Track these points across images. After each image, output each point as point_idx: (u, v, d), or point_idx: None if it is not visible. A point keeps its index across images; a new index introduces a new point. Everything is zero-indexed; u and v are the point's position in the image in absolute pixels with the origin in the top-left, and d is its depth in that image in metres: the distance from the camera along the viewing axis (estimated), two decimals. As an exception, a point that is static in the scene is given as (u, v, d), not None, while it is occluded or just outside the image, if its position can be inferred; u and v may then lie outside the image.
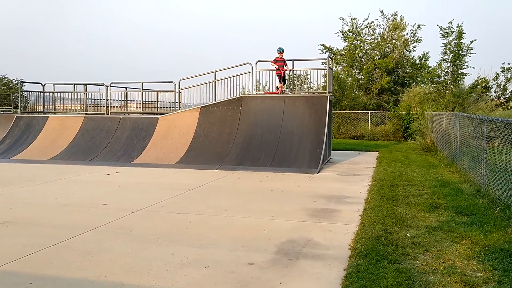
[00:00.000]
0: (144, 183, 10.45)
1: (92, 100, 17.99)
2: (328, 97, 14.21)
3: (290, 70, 15.29)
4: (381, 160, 14.93)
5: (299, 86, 22.26)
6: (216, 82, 15.90)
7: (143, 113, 16.82)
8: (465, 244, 5.77)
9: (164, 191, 9.39)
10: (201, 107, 15.30)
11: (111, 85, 17.31)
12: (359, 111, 27.80)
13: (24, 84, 23.75)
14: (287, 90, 15.97)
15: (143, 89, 17.13)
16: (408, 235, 6.14)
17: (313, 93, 15.60)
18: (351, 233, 6.26)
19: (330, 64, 14.93)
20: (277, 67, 14.61)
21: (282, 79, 14.77)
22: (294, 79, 22.97)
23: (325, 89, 14.75)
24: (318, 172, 12.34)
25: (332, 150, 18.15)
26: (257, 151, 13.71)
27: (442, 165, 13.95)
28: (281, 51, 14.52)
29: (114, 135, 15.34)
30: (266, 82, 16.61)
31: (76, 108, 18.07)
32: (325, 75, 15.92)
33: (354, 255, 5.26)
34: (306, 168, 12.61)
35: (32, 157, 14.72)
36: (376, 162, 14.69)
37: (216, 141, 14.35)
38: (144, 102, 17.27)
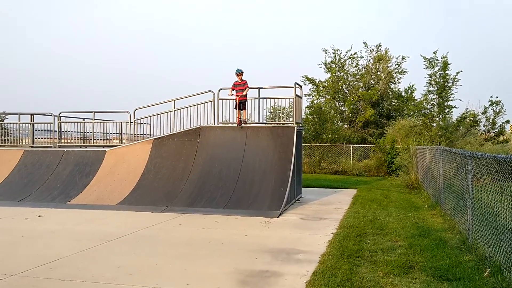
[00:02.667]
0: (59, 232, 8.55)
1: (40, 132, 16.19)
2: (296, 128, 12.55)
3: (255, 99, 13.60)
4: (357, 200, 13.14)
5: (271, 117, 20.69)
6: (175, 111, 14.26)
7: (91, 146, 15.01)
8: (440, 337, 3.95)
9: (75, 243, 7.51)
10: (154, 139, 13.57)
11: (61, 115, 15.57)
12: (341, 145, 26.20)
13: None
14: (253, 119, 14.18)
15: (95, 119, 15.40)
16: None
17: (279, 123, 13.93)
18: (282, 316, 4.42)
19: (297, 92, 13.33)
20: (233, 93, 12.79)
21: (243, 105, 13.02)
22: (279, 111, 21.45)
23: (293, 119, 13.11)
24: (279, 215, 10.51)
25: (307, 187, 16.43)
26: (213, 189, 11.89)
27: (426, 206, 12.21)
28: (239, 72, 12.71)
29: (54, 171, 13.48)
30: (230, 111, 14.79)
31: (22, 141, 16.25)
32: (288, 104, 14.28)
33: None
34: (266, 210, 10.79)
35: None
36: (350, 202, 12.90)
37: (167, 178, 12.53)
38: (95, 133, 15.50)
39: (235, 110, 13.27)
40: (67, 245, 7.42)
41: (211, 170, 12.45)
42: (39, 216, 10.28)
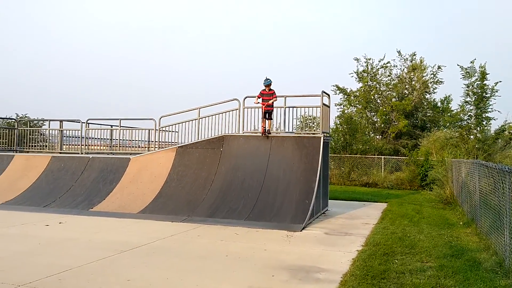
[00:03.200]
0: (76, 240, 8.43)
1: (68, 138, 16.41)
2: (322, 138, 12.12)
3: (282, 107, 13.24)
4: (386, 215, 12.52)
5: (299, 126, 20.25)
6: (200, 119, 14.10)
7: (118, 153, 15.04)
8: None
9: (89, 253, 7.34)
10: (178, 147, 13.42)
11: (88, 121, 15.71)
12: (372, 156, 25.41)
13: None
14: (275, 128, 13.91)
15: (121, 126, 15.45)
16: None
17: (308, 133, 13.49)
18: None
19: (325, 101, 12.90)
20: (259, 102, 12.48)
21: (269, 115, 12.70)
22: (309, 121, 21.03)
23: (319, 129, 12.66)
24: (303, 229, 10.07)
25: (335, 199, 15.91)
26: (235, 199, 11.58)
27: (460, 223, 11.48)
28: (268, 83, 12.43)
29: (79, 178, 13.52)
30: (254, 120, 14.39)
31: (52, 146, 16.50)
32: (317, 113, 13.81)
33: None
34: (289, 223, 10.37)
35: (-17, 201, 12.93)
36: (379, 217, 12.30)
37: (190, 186, 12.32)
38: (120, 140, 15.54)
39: (260, 119, 12.99)
40: (81, 254, 7.25)
41: (234, 180, 12.16)
42: (60, 223, 10.25)
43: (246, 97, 13.40)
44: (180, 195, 12.11)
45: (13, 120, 18.44)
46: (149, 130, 15.79)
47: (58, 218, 10.88)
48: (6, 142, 16.98)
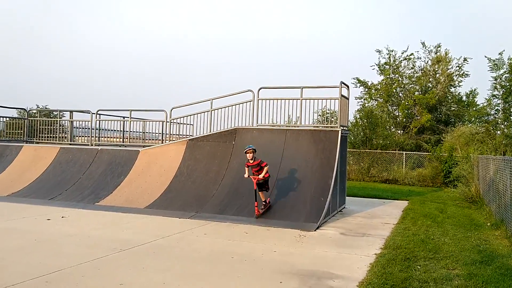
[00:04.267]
0: (75, 236, 7.95)
1: (78, 129, 16.06)
2: (340, 132, 11.40)
3: (298, 99, 12.53)
4: (407, 214, 11.74)
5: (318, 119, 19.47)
6: (212, 111, 13.52)
7: (129, 145, 14.60)
8: None
9: (85, 251, 6.85)
10: (188, 140, 12.87)
11: (98, 112, 15.31)
12: (393, 151, 24.47)
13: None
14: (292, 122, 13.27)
15: (131, 118, 15.01)
16: None
17: (326, 127, 12.77)
18: None
19: (344, 92, 12.16)
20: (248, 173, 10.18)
21: (261, 187, 10.25)
22: (328, 114, 20.26)
23: (337, 122, 11.93)
24: (317, 228, 9.41)
25: (353, 196, 15.20)
26: (247, 195, 10.96)
27: (488, 224, 10.66)
28: (250, 148, 10.10)
29: (87, 170, 13.11)
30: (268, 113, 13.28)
31: (62, 137, 16.19)
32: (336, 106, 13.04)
33: None
34: (303, 222, 9.71)
35: (-10, 192, 12.63)
36: (400, 216, 11.54)
37: (200, 181, 11.77)
38: (131, 132, 15.10)
39: (275, 110, 12.40)
40: (76, 253, 6.76)
41: (246, 174, 11.54)
42: (62, 217, 9.82)
43: (260, 88, 12.78)
44: (189, 190, 11.58)
45: (24, 110, 18.22)
46: (162, 122, 15.29)
47: (62, 212, 10.47)
48: (18, 132, 16.74)
